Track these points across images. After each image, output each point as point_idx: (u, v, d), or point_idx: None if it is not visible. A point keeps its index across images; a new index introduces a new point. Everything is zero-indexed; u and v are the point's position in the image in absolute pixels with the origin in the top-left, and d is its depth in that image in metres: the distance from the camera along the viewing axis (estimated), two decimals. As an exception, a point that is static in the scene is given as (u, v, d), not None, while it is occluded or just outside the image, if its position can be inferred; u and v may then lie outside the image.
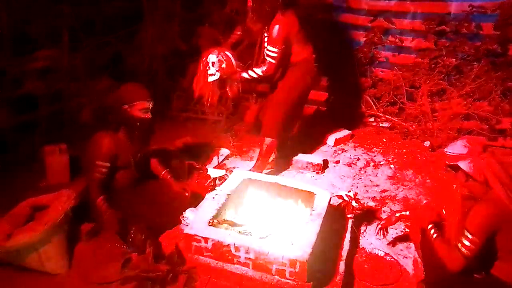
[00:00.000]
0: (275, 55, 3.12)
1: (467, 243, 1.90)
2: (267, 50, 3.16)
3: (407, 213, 2.47)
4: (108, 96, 2.87)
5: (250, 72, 3.20)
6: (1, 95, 3.49)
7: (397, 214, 2.49)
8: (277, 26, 3.09)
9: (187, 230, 2.29)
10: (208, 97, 3.21)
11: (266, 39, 3.21)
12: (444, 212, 2.28)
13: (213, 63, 3.12)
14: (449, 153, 2.09)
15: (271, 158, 3.66)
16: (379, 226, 2.57)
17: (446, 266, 1.97)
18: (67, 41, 4.03)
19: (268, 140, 3.43)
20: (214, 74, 3.13)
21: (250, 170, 3.47)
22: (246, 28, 3.35)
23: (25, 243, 2.25)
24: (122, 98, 2.61)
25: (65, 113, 3.95)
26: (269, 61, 3.15)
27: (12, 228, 2.31)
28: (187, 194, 2.86)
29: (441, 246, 2.04)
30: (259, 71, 3.18)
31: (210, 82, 3.15)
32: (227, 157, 3.94)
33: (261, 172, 3.42)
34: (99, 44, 4.28)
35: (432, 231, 2.12)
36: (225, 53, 3.17)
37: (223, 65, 3.12)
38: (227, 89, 3.24)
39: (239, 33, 3.53)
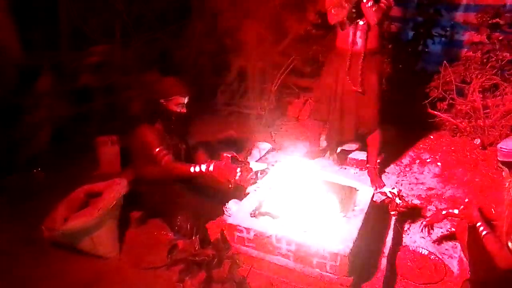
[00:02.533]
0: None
1: None
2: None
3: (456, 211, 2.35)
4: (150, 90, 2.96)
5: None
6: (60, 88, 3.71)
7: (444, 212, 2.40)
8: None
9: (230, 220, 2.36)
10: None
11: None
12: (494, 211, 2.21)
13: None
14: (503, 149, 2.01)
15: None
16: (424, 222, 2.50)
17: (495, 264, 1.91)
18: (119, 37, 4.22)
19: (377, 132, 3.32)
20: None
21: (369, 167, 3.45)
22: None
23: (80, 227, 2.39)
24: (160, 92, 2.69)
25: (117, 105, 4.13)
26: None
27: (68, 213, 2.46)
28: (231, 186, 2.92)
29: (491, 243, 1.97)
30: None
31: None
32: (268, 151, 3.98)
33: (376, 166, 3.43)
34: (149, 40, 4.44)
35: (482, 228, 2.04)
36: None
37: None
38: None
39: None
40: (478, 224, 2.07)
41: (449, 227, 2.86)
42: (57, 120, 3.67)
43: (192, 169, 2.63)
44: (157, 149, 2.63)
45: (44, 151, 3.51)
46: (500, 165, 2.09)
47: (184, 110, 2.72)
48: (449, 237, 2.76)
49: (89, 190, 2.67)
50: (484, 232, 2.03)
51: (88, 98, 3.99)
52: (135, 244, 2.62)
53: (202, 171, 2.62)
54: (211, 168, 2.61)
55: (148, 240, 2.64)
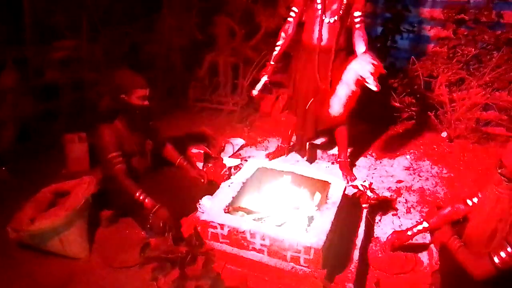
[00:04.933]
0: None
1: (503, 255, 1.75)
2: (358, 16, 3.00)
3: (420, 227, 2.33)
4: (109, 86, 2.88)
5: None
6: (24, 84, 3.58)
7: (410, 232, 2.37)
8: None
9: (203, 217, 2.34)
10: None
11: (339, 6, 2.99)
12: (471, 204, 2.16)
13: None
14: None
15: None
16: (392, 240, 2.45)
17: (469, 274, 1.84)
18: (87, 31, 4.11)
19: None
20: None
21: (340, 161, 3.47)
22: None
23: (48, 227, 2.32)
24: (120, 87, 2.62)
25: (85, 101, 4.03)
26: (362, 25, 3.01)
27: (36, 213, 2.38)
28: (203, 180, 2.90)
29: (466, 256, 1.90)
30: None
31: None
32: (242, 147, 3.98)
33: (347, 160, 3.46)
34: (117, 34, 4.34)
35: (455, 242, 1.98)
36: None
37: None
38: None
39: None
40: (451, 239, 2.01)
41: (418, 218, 2.94)
42: (22, 118, 3.54)
43: (137, 194, 2.53)
44: (111, 155, 2.57)
45: (8, 149, 3.39)
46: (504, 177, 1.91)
47: (146, 102, 2.66)
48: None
49: (56, 189, 2.60)
50: (457, 246, 1.96)
51: (54, 94, 3.87)
52: (106, 244, 2.56)
53: (145, 205, 2.52)
54: (155, 209, 2.51)
55: (120, 239, 2.58)
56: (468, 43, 4.08)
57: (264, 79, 3.19)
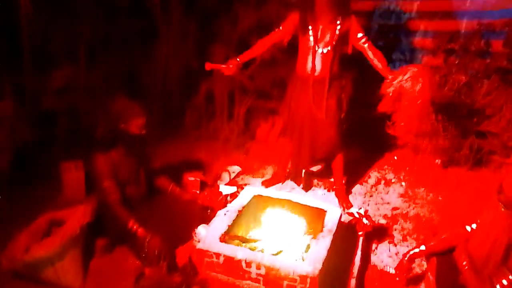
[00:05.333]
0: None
1: (505, 283, 1.76)
2: (361, 37, 3.06)
3: (417, 250, 2.29)
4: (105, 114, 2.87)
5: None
6: (21, 112, 3.61)
7: (411, 252, 2.31)
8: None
9: (199, 246, 2.33)
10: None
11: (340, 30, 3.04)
12: (470, 230, 2.14)
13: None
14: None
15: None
16: (397, 272, 2.38)
17: None
18: (84, 59, 4.16)
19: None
20: None
21: (336, 188, 3.52)
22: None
23: (42, 256, 2.31)
24: (117, 116, 2.64)
25: (81, 129, 4.05)
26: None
27: (30, 242, 2.38)
28: (198, 203, 2.89)
29: (471, 278, 1.92)
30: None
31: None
32: (238, 174, 3.98)
33: (343, 187, 3.49)
34: (114, 62, 4.40)
35: (465, 262, 1.99)
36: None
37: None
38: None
39: None
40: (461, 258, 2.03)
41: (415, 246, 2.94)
42: (19, 145, 3.55)
43: (130, 224, 2.51)
44: (105, 184, 2.58)
45: (4, 177, 3.38)
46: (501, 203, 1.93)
47: (144, 131, 2.68)
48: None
49: (52, 218, 2.60)
50: (466, 267, 1.98)
51: (51, 122, 3.89)
52: (101, 273, 2.55)
53: (138, 234, 2.50)
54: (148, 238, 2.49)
55: (114, 268, 2.57)
56: (458, 71, 4.18)
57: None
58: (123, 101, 2.75)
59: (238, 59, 3.19)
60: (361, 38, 3.05)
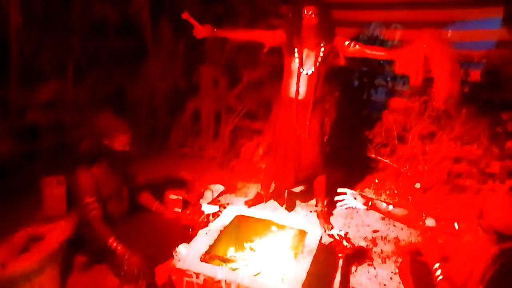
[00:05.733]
0: None
1: None
2: (350, 42, 3.10)
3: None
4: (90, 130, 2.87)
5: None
6: (5, 125, 3.58)
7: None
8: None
9: (179, 265, 2.32)
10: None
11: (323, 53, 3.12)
12: (457, 227, 2.16)
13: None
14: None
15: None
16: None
17: None
18: (72, 75, 4.17)
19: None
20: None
21: (317, 210, 3.55)
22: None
23: (19, 273, 2.26)
24: (101, 131, 2.64)
25: (65, 143, 4.02)
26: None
27: (7, 257, 2.33)
28: (180, 221, 2.89)
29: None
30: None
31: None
32: (221, 193, 4.00)
33: (324, 209, 3.52)
34: (103, 78, 4.42)
35: (439, 271, 2.05)
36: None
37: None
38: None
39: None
40: (436, 266, 2.07)
41: (393, 269, 2.98)
42: (0, 158, 3.51)
43: (110, 241, 2.51)
44: (87, 200, 2.57)
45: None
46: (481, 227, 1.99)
47: (128, 148, 2.69)
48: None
49: (30, 233, 2.55)
50: (440, 277, 2.03)
51: (35, 136, 3.87)
52: (79, 290, 2.51)
53: (117, 252, 2.50)
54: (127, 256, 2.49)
55: (93, 286, 2.53)
56: (438, 99, 4.31)
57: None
58: (108, 117, 2.75)
59: (215, 30, 3.18)
60: (349, 43, 3.10)
